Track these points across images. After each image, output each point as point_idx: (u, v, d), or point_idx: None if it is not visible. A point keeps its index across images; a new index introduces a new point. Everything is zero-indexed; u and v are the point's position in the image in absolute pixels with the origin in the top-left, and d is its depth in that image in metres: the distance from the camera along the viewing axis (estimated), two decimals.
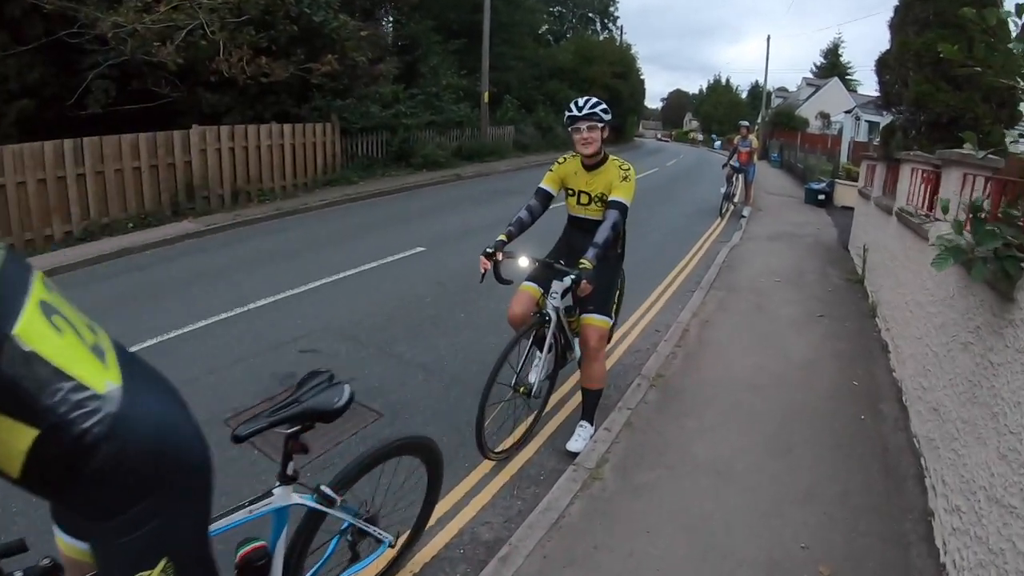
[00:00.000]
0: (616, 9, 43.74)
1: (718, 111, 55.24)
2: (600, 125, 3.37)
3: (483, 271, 3.33)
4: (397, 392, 4.35)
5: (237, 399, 4.19)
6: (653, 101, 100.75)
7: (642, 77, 39.97)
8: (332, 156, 13.97)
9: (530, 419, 3.78)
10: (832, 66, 49.92)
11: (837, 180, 14.83)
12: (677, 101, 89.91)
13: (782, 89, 53.69)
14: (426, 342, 5.17)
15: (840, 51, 51.83)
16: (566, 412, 4.20)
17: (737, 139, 12.64)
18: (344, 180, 13.81)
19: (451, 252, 7.88)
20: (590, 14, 42.89)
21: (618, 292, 4.36)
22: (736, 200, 13.04)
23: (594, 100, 3.37)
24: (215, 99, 12.49)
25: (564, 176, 3.65)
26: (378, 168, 15.21)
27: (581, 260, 3.08)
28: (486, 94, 19.90)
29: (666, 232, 10.25)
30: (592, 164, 3.52)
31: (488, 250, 3.33)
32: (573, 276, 3.05)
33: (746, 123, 12.66)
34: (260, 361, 4.78)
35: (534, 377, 3.56)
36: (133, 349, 4.25)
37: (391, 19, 20.61)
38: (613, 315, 4.68)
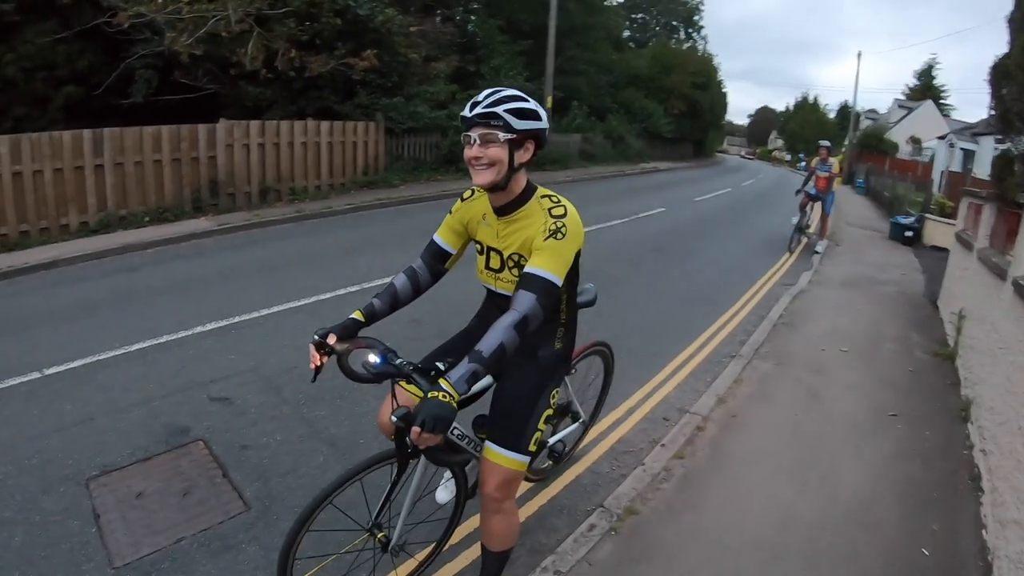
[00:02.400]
0: (701, 18, 41.97)
1: (804, 130, 51.72)
2: (507, 136, 1.92)
3: (313, 367, 2.07)
4: (285, 477, 3.35)
5: (113, 453, 3.52)
6: (741, 117, 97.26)
7: (724, 90, 37.79)
8: (374, 157, 13.24)
9: (408, 569, 2.57)
10: (926, 88, 47.10)
11: (927, 215, 12.97)
12: (764, 118, 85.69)
13: (872, 110, 50.67)
14: (354, 405, 4.08)
15: (934, 72, 48.51)
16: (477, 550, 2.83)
17: (816, 162, 10.93)
18: (384, 182, 13.10)
19: (450, 279, 6.53)
20: (674, 22, 41.17)
21: (580, 403, 3.12)
22: (811, 232, 11.35)
23: (506, 93, 1.95)
24: (257, 92, 12.07)
25: (468, 221, 2.28)
26: (424, 171, 14.37)
27: (440, 381, 1.73)
28: (549, 98, 18.83)
29: (720, 269, 8.74)
30: (504, 205, 2.10)
31: (316, 337, 2.06)
32: (398, 415, 1.77)
33: (827, 144, 10.89)
34: (163, 405, 4.05)
35: (407, 517, 2.33)
36: (56, 370, 4.52)
37: (458, 17, 19.93)
38: (549, 435, 3.09)
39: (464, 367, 1.77)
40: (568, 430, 3.22)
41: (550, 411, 2.27)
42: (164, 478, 3.32)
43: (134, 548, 2.82)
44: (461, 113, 1.99)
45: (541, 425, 2.23)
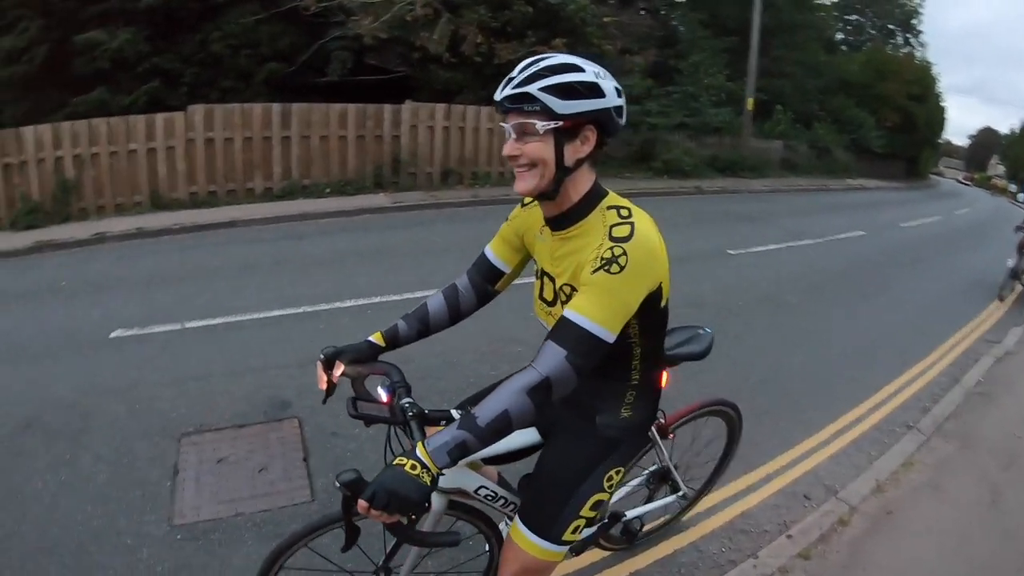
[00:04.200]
0: (920, 22, 36.46)
1: None
2: (548, 125, 1.35)
3: (323, 388, 1.70)
4: (362, 474, 3.14)
5: (214, 414, 3.65)
6: (960, 138, 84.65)
7: (943, 104, 32.80)
8: None
9: None
10: None
11: None
12: (985, 140, 73.86)
13: None
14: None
15: None
16: None
17: None
18: None
19: None
20: (890, 25, 36.41)
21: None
22: None
23: (548, 63, 1.36)
24: (447, 77, 12.38)
25: (526, 233, 1.73)
26: (612, 167, 14.06)
27: (418, 447, 1.30)
28: (750, 100, 17.47)
29: (915, 310, 7.24)
30: (557, 216, 1.53)
31: (322, 356, 1.69)
32: (343, 480, 1.28)
33: None
34: (276, 376, 4.15)
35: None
36: (196, 324, 4.91)
37: (662, 11, 19.20)
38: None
39: (450, 433, 1.30)
40: (658, 503, 2.55)
41: (603, 495, 1.70)
42: (249, 449, 3.35)
43: (195, 511, 2.87)
44: (496, 96, 1.40)
45: (586, 512, 1.67)
